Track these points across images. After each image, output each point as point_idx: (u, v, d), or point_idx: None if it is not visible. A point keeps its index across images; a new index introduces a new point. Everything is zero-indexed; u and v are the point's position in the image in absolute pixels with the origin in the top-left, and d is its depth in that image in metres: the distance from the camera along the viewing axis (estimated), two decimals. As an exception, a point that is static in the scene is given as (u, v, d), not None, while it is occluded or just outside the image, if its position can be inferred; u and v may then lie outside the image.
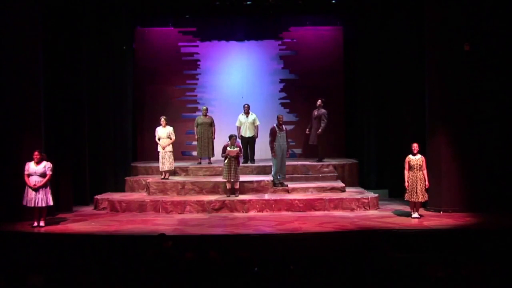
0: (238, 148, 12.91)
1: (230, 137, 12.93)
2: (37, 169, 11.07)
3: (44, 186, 11.05)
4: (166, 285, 6.54)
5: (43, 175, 11.06)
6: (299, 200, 12.57)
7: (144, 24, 16.15)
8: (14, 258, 8.82)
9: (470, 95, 12.11)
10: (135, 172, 14.55)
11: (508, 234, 10.13)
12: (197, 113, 15.50)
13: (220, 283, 6.46)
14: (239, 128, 14.81)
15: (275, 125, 13.21)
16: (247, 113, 14.85)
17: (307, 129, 15.00)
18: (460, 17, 12.07)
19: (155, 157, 14.01)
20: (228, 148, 12.75)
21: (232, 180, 12.74)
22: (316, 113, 14.82)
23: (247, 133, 14.78)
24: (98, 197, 13.23)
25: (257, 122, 14.85)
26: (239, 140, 14.04)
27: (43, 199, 11.03)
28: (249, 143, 14.85)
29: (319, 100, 14.82)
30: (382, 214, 12.14)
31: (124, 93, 14.95)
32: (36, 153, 11.11)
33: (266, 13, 15.64)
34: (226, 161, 12.73)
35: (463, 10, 12.07)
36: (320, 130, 14.66)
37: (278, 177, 13.21)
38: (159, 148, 13.67)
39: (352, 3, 15.18)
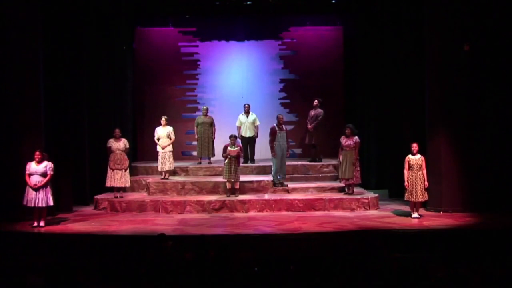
0: (238, 148, 12.92)
1: (230, 137, 12.95)
2: (38, 169, 11.07)
3: (44, 186, 11.05)
4: (166, 285, 6.53)
5: (44, 175, 11.07)
6: (299, 200, 12.58)
7: (144, 24, 16.15)
8: (14, 258, 8.82)
9: (470, 95, 12.12)
10: (135, 172, 14.52)
11: (508, 234, 10.13)
12: (197, 113, 15.51)
13: (220, 283, 6.45)
14: (239, 128, 14.81)
15: (275, 125, 13.22)
16: (247, 113, 14.86)
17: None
18: (460, 17, 12.07)
19: (155, 157, 14.01)
20: (229, 148, 12.76)
21: (233, 180, 12.74)
22: (313, 113, 14.80)
23: (247, 133, 14.78)
24: (98, 197, 13.22)
25: (257, 122, 14.85)
26: (239, 140, 14.03)
27: (43, 199, 11.03)
28: (249, 143, 14.85)
29: (316, 100, 14.81)
30: (382, 214, 12.15)
31: (124, 93, 14.96)
32: (37, 153, 11.12)
33: (266, 13, 15.64)
34: (226, 161, 12.73)
35: (463, 10, 12.07)
36: (311, 126, 14.64)
37: (278, 177, 13.21)
38: (159, 148, 13.68)
39: (352, 3, 15.18)
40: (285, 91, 16.28)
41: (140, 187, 13.91)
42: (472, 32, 12.08)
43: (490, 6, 12.13)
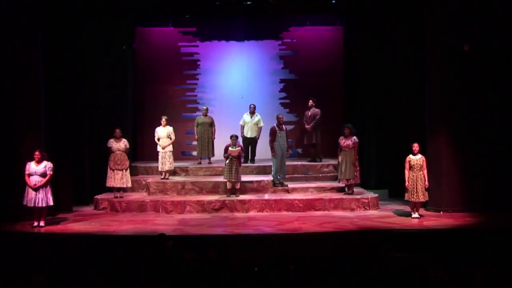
0: (239, 148, 12.92)
1: (231, 137, 12.95)
2: (37, 169, 11.08)
3: (44, 186, 11.06)
4: (166, 285, 6.54)
5: (43, 175, 11.08)
6: (299, 200, 12.58)
7: (144, 24, 16.13)
8: (14, 258, 8.82)
9: (470, 95, 12.12)
10: (135, 172, 14.50)
11: (508, 234, 10.13)
12: (197, 113, 15.50)
13: (220, 283, 6.45)
14: (242, 127, 14.81)
15: (275, 125, 13.23)
16: (252, 113, 14.82)
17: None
18: (460, 17, 12.08)
19: (155, 157, 14.01)
20: (230, 148, 12.76)
21: (233, 180, 12.74)
22: (309, 113, 14.79)
23: (248, 133, 14.76)
24: (98, 197, 13.23)
25: (261, 124, 14.78)
26: (240, 140, 14.02)
27: (43, 199, 11.04)
28: (250, 143, 14.84)
29: (311, 100, 14.80)
30: (382, 214, 12.15)
31: (124, 93, 14.96)
32: (37, 153, 11.13)
33: (266, 13, 15.61)
34: (227, 161, 12.73)
35: (463, 11, 12.08)
36: (309, 126, 14.64)
37: (278, 177, 13.21)
38: (159, 148, 13.69)
39: (352, 3, 15.16)
40: (285, 91, 16.27)
41: (140, 187, 13.90)
42: (472, 32, 12.08)
43: (490, 6, 12.13)
